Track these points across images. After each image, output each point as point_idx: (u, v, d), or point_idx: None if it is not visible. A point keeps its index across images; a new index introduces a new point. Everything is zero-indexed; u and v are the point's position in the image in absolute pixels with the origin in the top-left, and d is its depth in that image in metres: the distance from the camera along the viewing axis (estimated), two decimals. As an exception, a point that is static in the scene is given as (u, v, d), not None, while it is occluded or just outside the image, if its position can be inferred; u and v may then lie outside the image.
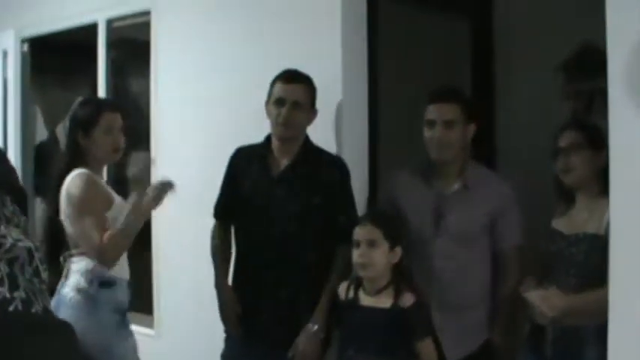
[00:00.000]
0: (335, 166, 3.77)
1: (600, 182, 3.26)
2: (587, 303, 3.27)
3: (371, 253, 3.40)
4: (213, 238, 3.92)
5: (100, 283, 3.54)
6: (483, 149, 4.89)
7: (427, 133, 3.68)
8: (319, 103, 3.78)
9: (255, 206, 3.74)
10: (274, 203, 3.69)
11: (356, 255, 3.42)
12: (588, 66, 3.67)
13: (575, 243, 3.40)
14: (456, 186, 3.70)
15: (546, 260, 3.50)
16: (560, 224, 3.51)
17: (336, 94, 3.98)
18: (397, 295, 3.39)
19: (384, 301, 3.39)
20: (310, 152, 3.76)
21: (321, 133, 3.88)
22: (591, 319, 3.22)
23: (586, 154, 3.39)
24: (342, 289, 3.52)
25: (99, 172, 3.77)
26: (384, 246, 3.41)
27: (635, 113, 2.96)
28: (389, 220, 3.53)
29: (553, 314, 3.28)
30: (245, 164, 3.82)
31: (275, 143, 3.76)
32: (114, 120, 3.68)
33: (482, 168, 3.89)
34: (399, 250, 3.43)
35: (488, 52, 5.06)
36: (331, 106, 3.98)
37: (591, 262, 3.29)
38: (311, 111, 3.74)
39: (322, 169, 3.73)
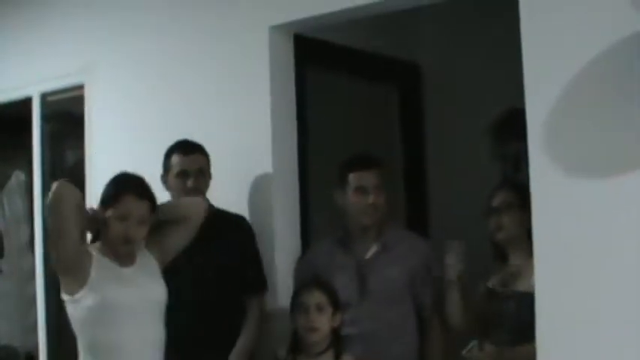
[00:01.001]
0: (240, 224, 3.91)
1: (531, 241, 3.32)
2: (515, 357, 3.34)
3: (319, 318, 3.48)
4: None
5: None
6: (416, 215, 5.00)
7: (357, 198, 3.75)
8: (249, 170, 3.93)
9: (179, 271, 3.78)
10: (191, 266, 3.71)
11: (305, 320, 3.49)
12: (514, 128, 3.76)
13: (508, 300, 3.47)
14: (375, 248, 3.77)
15: (485, 319, 3.58)
16: (494, 282, 3.59)
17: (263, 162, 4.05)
18: (337, 357, 3.48)
19: None
20: (214, 215, 3.78)
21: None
22: None
23: (516, 214, 3.51)
24: (282, 354, 3.56)
25: None
26: (328, 311, 3.50)
27: (555, 174, 3.07)
28: (330, 286, 3.61)
29: None
30: None
31: None
32: None
33: (400, 229, 4.01)
34: (339, 315, 3.53)
35: (418, 118, 5.16)
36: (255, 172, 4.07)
37: (523, 319, 3.36)
38: (209, 176, 3.91)
39: (228, 229, 3.85)
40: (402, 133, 5.13)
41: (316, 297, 3.51)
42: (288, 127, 4.12)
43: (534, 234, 3.16)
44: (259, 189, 4.06)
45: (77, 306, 3.17)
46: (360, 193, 3.75)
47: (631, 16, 2.96)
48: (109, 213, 3.20)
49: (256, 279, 3.88)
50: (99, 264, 3.20)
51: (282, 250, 4.02)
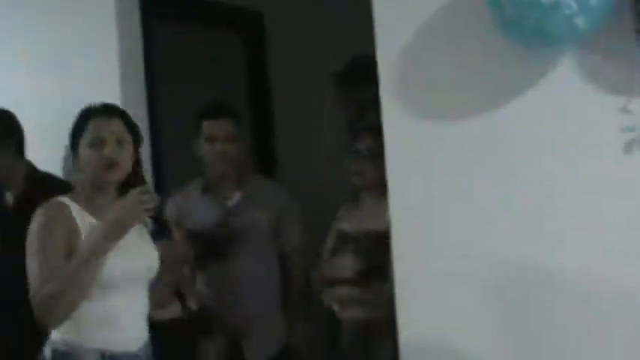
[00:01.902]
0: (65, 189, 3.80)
1: (383, 185, 3.42)
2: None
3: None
4: None
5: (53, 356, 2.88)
6: (264, 160, 5.07)
7: (207, 148, 3.77)
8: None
9: None
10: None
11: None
12: (360, 75, 3.87)
13: (360, 240, 3.59)
14: (237, 197, 3.83)
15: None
16: (344, 224, 3.70)
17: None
18: (183, 304, 3.45)
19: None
20: (39, 180, 3.72)
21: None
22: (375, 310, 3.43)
23: (380, 160, 3.51)
24: None
25: None
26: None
27: (406, 115, 3.19)
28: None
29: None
30: None
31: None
32: None
33: (261, 178, 4.07)
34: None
35: (262, 67, 5.21)
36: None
37: (375, 257, 3.49)
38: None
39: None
40: (248, 82, 5.17)
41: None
42: (136, 82, 4.08)
43: (389, 177, 3.27)
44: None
45: None
46: (211, 142, 3.78)
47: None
48: (81, 148, 2.90)
49: None
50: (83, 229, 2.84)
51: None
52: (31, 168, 3.77)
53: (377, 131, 3.55)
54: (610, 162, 3.02)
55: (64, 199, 2.88)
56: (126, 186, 2.87)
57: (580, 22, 2.81)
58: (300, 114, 5.07)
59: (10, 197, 3.72)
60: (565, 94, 3.06)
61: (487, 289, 3.12)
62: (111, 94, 3.88)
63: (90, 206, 2.88)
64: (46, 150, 3.85)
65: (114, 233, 2.72)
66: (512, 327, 3.10)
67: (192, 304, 3.50)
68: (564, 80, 3.05)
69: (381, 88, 3.27)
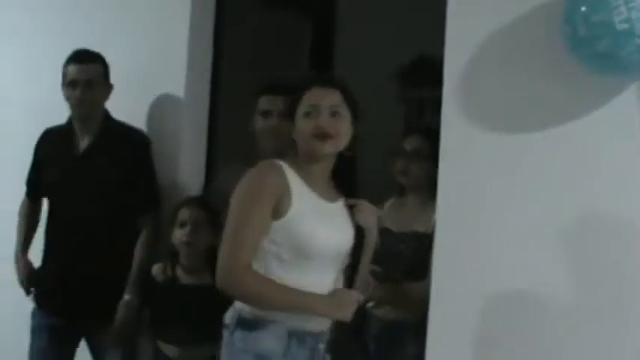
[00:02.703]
0: (135, 139, 3.92)
1: (431, 186, 3.41)
2: (407, 292, 3.50)
3: (196, 234, 3.55)
4: (20, 213, 4.10)
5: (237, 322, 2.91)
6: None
7: (262, 123, 3.79)
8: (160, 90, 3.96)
9: (60, 185, 3.85)
10: (77, 182, 3.79)
11: (181, 234, 3.57)
12: (422, 75, 3.88)
13: (405, 240, 3.61)
14: None
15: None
16: (388, 222, 3.70)
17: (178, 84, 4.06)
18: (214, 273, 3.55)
19: (205, 279, 3.52)
20: (111, 128, 3.86)
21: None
22: (410, 309, 3.44)
23: (426, 161, 3.56)
24: (158, 270, 3.64)
25: None
26: (207, 228, 3.58)
27: (466, 122, 3.19)
28: (212, 205, 3.67)
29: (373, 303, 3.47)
30: (50, 146, 3.95)
31: (76, 124, 3.87)
32: None
33: None
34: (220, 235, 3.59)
35: (329, 52, 5.23)
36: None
37: (418, 259, 3.50)
38: (105, 87, 3.86)
39: (123, 143, 3.86)
40: (313, 63, 5.20)
41: (195, 214, 3.60)
42: (205, 53, 4.14)
43: (440, 179, 3.27)
44: (169, 109, 4.08)
45: None
46: (266, 117, 3.79)
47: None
48: (297, 117, 2.89)
49: (147, 196, 3.87)
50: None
51: (186, 174, 4.08)
52: (107, 115, 3.88)
53: (428, 133, 3.58)
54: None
55: (280, 162, 2.86)
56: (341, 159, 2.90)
57: (652, 51, 2.81)
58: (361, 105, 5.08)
59: (85, 141, 3.85)
60: (627, 125, 3.04)
61: (525, 304, 3.14)
62: (177, 66, 3.99)
63: (303, 172, 2.86)
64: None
65: (322, 311, 2.80)
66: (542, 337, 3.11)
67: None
68: (628, 110, 3.03)
69: (444, 92, 3.27)
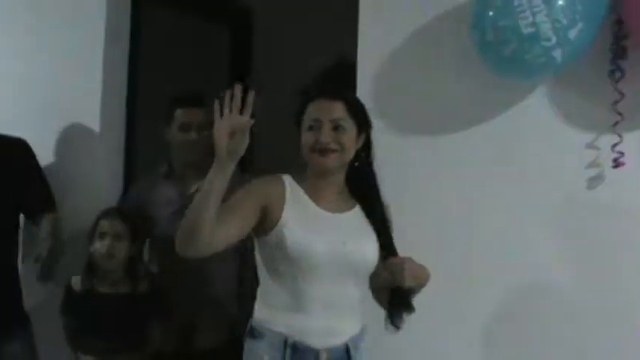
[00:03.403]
0: (18, 146, 3.83)
1: None
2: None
3: (116, 246, 3.56)
4: None
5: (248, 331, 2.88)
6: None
7: (180, 136, 3.80)
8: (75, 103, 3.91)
9: None
10: None
11: (102, 245, 3.57)
12: (340, 79, 3.91)
13: None
14: (198, 185, 3.86)
15: None
16: None
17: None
18: (134, 283, 3.61)
19: (123, 288, 3.59)
20: None
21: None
22: None
23: None
24: (77, 281, 3.63)
25: None
26: (126, 239, 3.60)
27: (379, 125, 3.20)
28: (135, 217, 3.69)
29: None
30: None
31: None
32: None
33: None
34: (139, 245, 3.67)
35: (247, 59, 5.26)
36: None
37: None
38: None
39: (6, 152, 3.78)
40: (231, 73, 5.21)
41: (116, 225, 3.60)
42: (120, 63, 4.11)
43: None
44: (84, 118, 4.03)
45: None
46: (185, 130, 3.81)
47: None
48: (302, 130, 2.81)
49: (41, 195, 3.83)
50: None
51: (104, 185, 4.06)
52: None
53: None
54: (575, 196, 3.12)
55: (284, 176, 2.83)
56: (354, 171, 2.84)
57: (558, 55, 2.89)
58: (279, 112, 5.11)
59: None
60: (535, 125, 3.15)
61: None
62: (92, 77, 3.96)
63: (309, 185, 2.81)
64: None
65: (221, 158, 2.55)
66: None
67: (143, 284, 3.63)
68: (536, 111, 3.14)
69: (358, 94, 3.29)
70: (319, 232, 2.72)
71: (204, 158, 3.83)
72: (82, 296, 3.61)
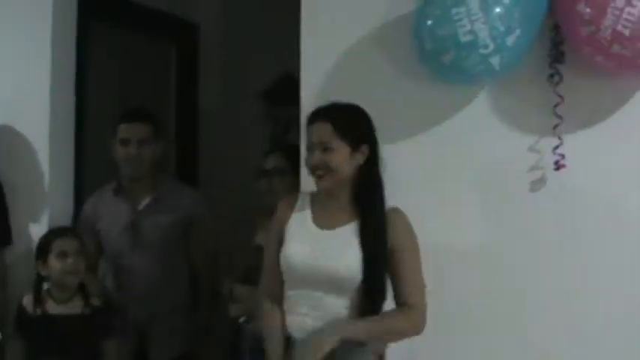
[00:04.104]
0: None
1: None
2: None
3: (78, 263, 3.58)
4: None
5: None
6: (187, 167, 5.14)
7: (121, 151, 3.83)
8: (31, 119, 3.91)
9: None
10: None
11: (65, 264, 3.57)
12: (286, 93, 3.95)
13: None
14: (148, 199, 3.89)
15: (248, 273, 3.73)
16: (262, 240, 3.74)
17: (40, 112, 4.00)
18: (86, 300, 3.61)
19: (75, 308, 3.60)
20: None
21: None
22: None
23: (289, 178, 3.57)
24: (28, 303, 3.62)
25: None
26: (83, 257, 3.63)
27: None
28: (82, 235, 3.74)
29: None
30: None
31: None
32: None
33: (175, 182, 4.19)
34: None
35: (193, 75, 5.28)
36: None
37: None
38: None
39: None
40: (178, 88, 5.23)
41: (75, 244, 3.62)
42: (68, 81, 4.09)
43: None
44: (35, 145, 4.00)
45: None
46: (124, 145, 3.84)
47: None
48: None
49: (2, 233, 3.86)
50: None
51: (55, 206, 4.02)
52: None
53: (288, 150, 3.64)
54: (517, 199, 3.18)
55: (304, 193, 3.06)
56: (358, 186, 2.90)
57: (496, 61, 2.95)
58: (226, 127, 5.15)
59: None
60: (477, 130, 3.20)
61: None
62: (40, 93, 3.95)
63: (319, 201, 2.96)
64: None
65: None
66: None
67: (95, 301, 3.63)
68: (478, 116, 3.20)
69: (302, 109, 3.35)
70: (301, 246, 2.89)
71: (144, 171, 3.88)
72: (35, 317, 3.60)
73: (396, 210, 2.90)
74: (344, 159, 2.85)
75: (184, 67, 5.24)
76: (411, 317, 2.82)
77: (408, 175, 3.23)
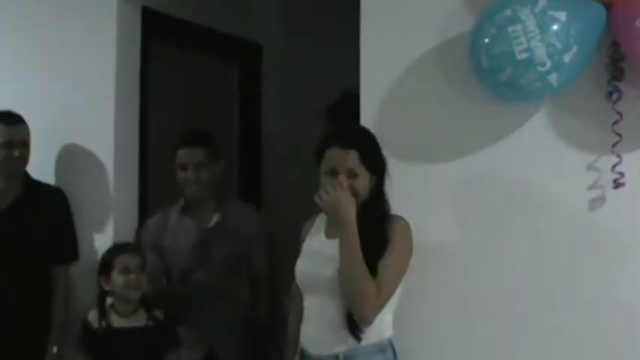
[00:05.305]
0: (57, 195, 3.98)
1: None
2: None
3: (140, 278, 3.67)
4: None
5: None
6: (250, 186, 5.20)
7: (181, 175, 3.94)
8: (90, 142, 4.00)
9: None
10: (2, 238, 3.83)
11: (129, 280, 3.68)
12: (347, 111, 3.97)
13: None
14: (215, 218, 3.96)
15: None
16: None
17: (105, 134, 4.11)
18: (149, 314, 3.72)
19: (138, 320, 3.71)
20: (32, 186, 3.93)
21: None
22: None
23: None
24: (94, 318, 3.72)
25: None
26: (144, 271, 3.73)
27: (384, 151, 3.28)
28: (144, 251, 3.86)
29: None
30: None
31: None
32: None
33: (238, 202, 4.34)
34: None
35: (257, 95, 5.34)
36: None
37: None
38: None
39: (46, 200, 3.93)
40: (241, 109, 5.30)
41: (136, 259, 3.74)
42: (131, 101, 4.19)
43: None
44: (100, 161, 4.11)
45: None
46: (182, 169, 3.94)
47: (461, 17, 3.24)
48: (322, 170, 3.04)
49: (68, 249, 3.97)
50: None
51: (119, 223, 4.11)
52: (26, 175, 3.91)
53: None
54: (576, 218, 3.15)
55: (318, 217, 3.18)
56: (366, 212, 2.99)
57: (553, 79, 2.94)
58: (289, 142, 5.20)
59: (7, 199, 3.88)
60: (536, 149, 3.19)
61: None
62: (106, 109, 4.05)
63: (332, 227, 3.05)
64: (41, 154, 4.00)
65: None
66: None
67: (158, 314, 3.72)
68: (536, 135, 3.19)
69: (362, 124, 3.37)
70: (306, 255, 3.11)
71: (205, 192, 3.96)
72: (101, 332, 3.70)
73: (399, 217, 3.03)
74: (367, 185, 3.02)
75: (248, 87, 5.30)
76: (378, 295, 2.88)
77: (465, 194, 3.23)
